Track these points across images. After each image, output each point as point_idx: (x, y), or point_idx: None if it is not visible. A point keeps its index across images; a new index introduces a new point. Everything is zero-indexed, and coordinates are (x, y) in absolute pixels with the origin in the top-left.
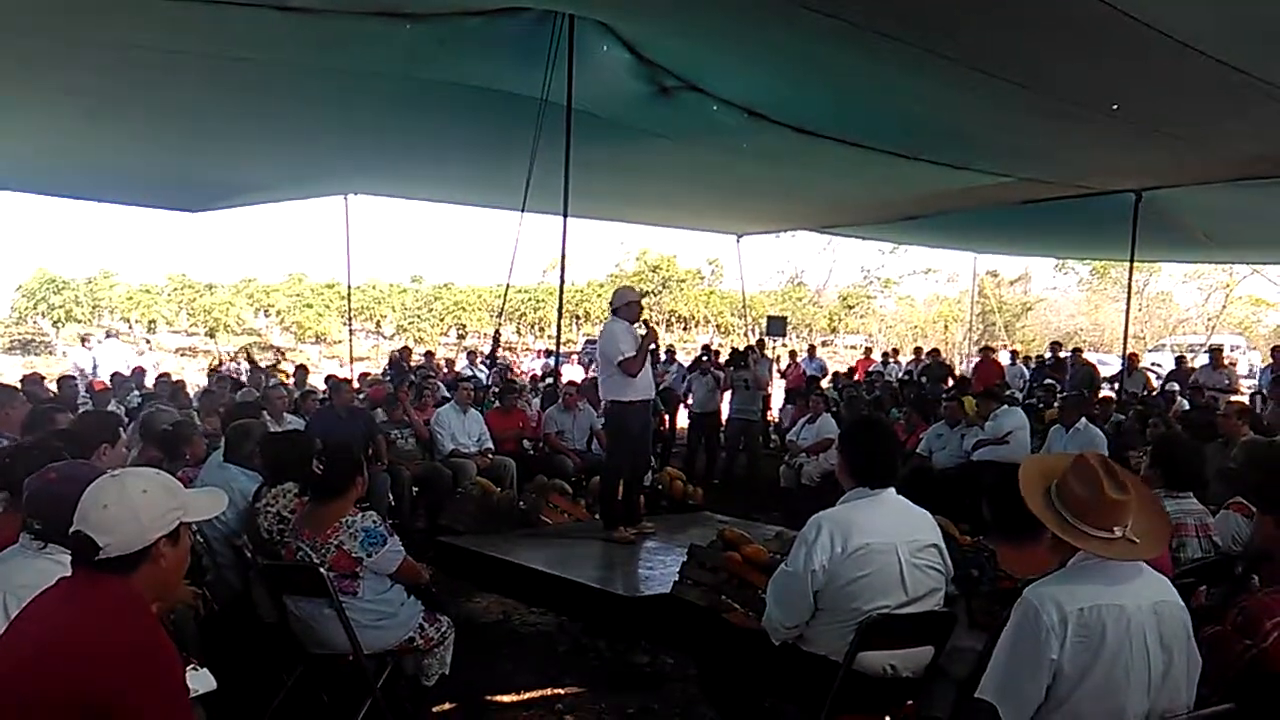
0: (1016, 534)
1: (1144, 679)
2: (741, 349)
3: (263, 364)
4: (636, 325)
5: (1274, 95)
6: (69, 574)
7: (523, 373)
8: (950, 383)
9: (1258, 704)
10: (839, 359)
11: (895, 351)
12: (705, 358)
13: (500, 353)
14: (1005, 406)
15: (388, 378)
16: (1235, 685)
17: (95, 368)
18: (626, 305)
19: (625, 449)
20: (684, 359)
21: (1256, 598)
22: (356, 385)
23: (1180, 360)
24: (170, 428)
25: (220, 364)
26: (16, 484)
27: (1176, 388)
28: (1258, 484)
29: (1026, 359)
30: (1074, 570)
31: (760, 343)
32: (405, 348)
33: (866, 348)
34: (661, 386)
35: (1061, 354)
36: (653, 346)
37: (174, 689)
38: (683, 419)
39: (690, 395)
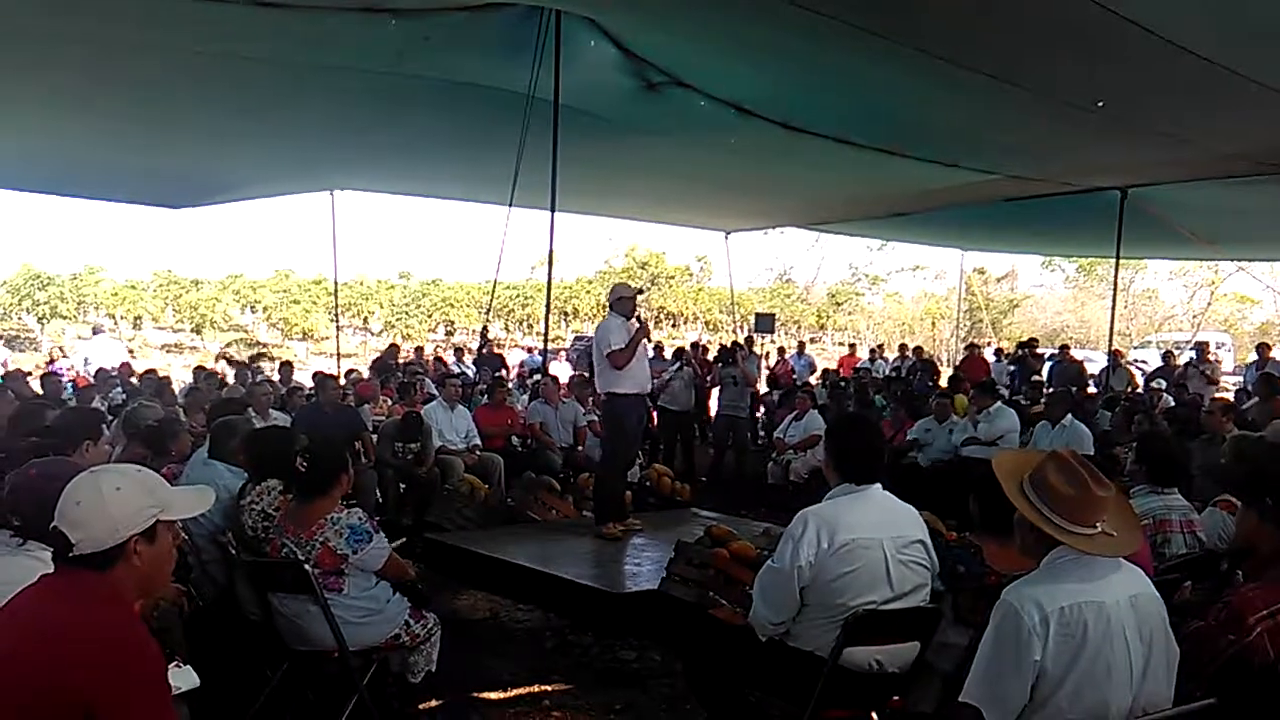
0: (1001, 530)
1: (1125, 674)
2: (730, 345)
3: (239, 357)
4: (630, 321)
5: (1260, 93)
6: (50, 570)
7: (518, 368)
8: (936, 380)
9: (1240, 699)
10: (827, 356)
11: (881, 348)
12: (688, 350)
13: (494, 349)
14: (999, 405)
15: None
16: (1218, 680)
17: (86, 363)
18: (620, 300)
19: (623, 443)
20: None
21: (1240, 593)
22: (343, 382)
23: (1168, 356)
24: (156, 424)
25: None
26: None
27: (1163, 384)
28: (1244, 478)
29: (1009, 356)
30: (1052, 568)
31: (749, 339)
32: (393, 345)
33: (851, 345)
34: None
35: (1038, 350)
36: (645, 342)
37: (154, 683)
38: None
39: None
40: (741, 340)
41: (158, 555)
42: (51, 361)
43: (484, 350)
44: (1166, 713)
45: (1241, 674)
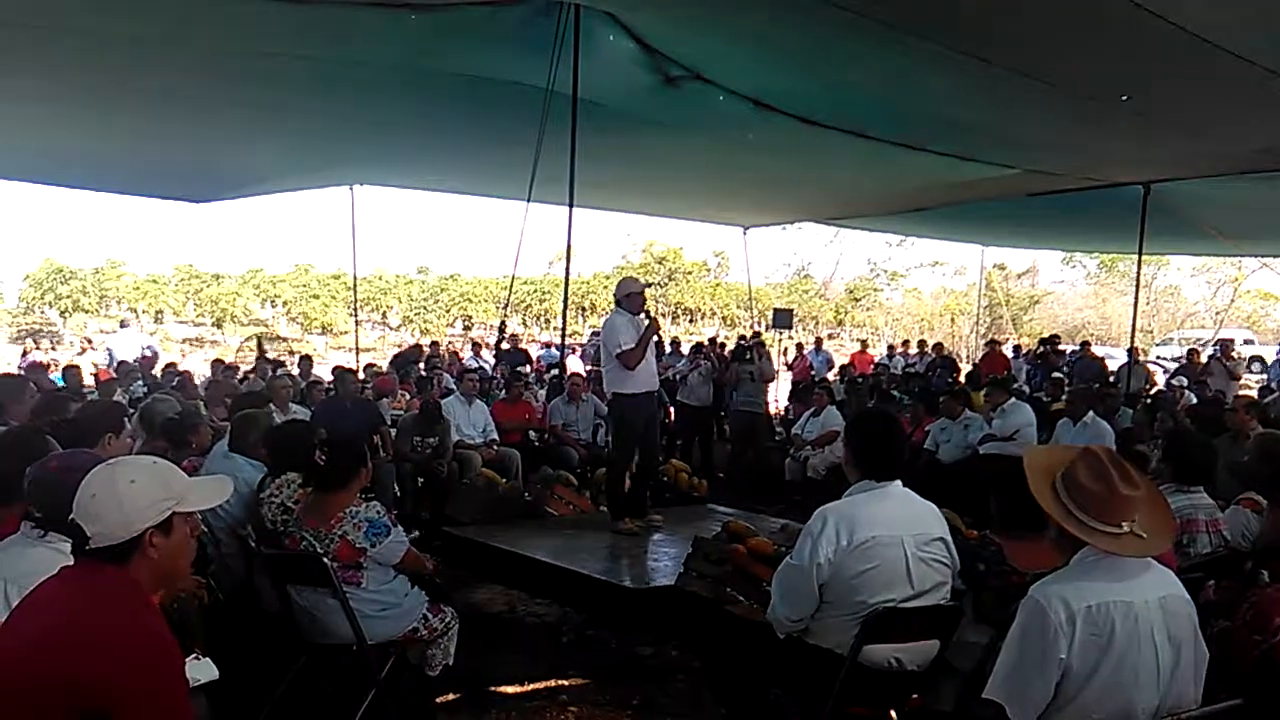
0: (1022, 528)
1: (1152, 675)
2: (748, 341)
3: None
4: (639, 316)
5: None
6: (70, 562)
7: (538, 364)
8: (956, 377)
9: (1267, 699)
10: (845, 352)
11: (905, 344)
12: (706, 345)
13: (517, 345)
14: (1013, 400)
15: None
16: (1245, 681)
17: (111, 356)
18: (628, 296)
19: (629, 442)
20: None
21: (1266, 593)
22: (362, 376)
23: (1192, 354)
24: (176, 416)
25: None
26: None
27: (1185, 382)
28: (1269, 476)
29: (1028, 353)
30: (1080, 566)
31: (755, 334)
32: (417, 345)
33: (863, 341)
34: (663, 377)
35: (1060, 347)
36: (655, 338)
37: (169, 675)
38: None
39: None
40: (753, 335)
41: (174, 547)
42: (25, 355)
43: (501, 344)
44: (1193, 713)
45: (1269, 674)
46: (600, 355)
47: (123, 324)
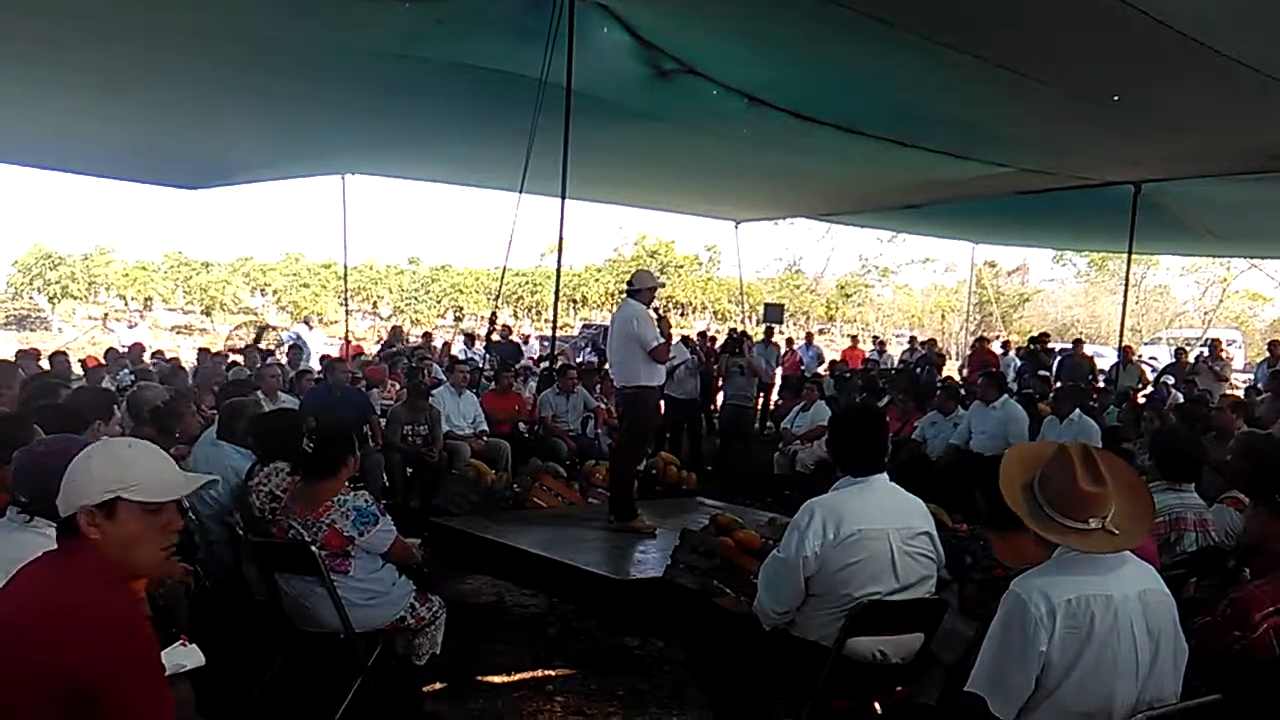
0: (1006, 524)
1: (1132, 668)
2: (738, 335)
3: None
4: (649, 311)
5: (1275, 88)
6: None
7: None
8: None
9: (1246, 695)
10: (836, 347)
11: (881, 344)
12: (694, 339)
13: (508, 337)
14: (1005, 398)
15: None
16: (1224, 676)
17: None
18: (649, 289)
19: (648, 436)
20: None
21: (1246, 589)
22: (351, 365)
23: (1179, 353)
24: (163, 404)
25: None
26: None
27: (1171, 380)
28: (1252, 475)
29: (1019, 349)
30: (1060, 561)
31: (769, 330)
32: (396, 327)
33: (853, 336)
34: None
35: (1049, 345)
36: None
37: (136, 655)
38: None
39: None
40: (752, 330)
41: (121, 536)
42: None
43: (492, 336)
44: (1172, 707)
45: (1247, 670)
46: (614, 345)
47: (129, 326)
